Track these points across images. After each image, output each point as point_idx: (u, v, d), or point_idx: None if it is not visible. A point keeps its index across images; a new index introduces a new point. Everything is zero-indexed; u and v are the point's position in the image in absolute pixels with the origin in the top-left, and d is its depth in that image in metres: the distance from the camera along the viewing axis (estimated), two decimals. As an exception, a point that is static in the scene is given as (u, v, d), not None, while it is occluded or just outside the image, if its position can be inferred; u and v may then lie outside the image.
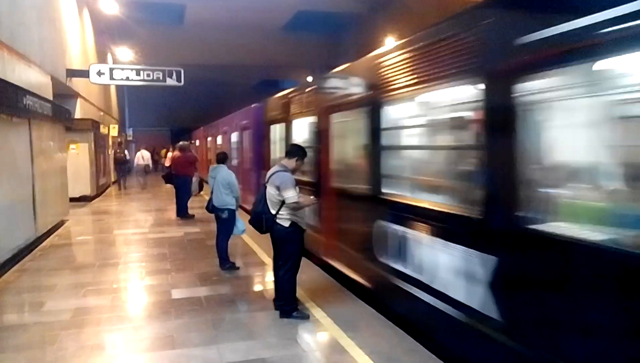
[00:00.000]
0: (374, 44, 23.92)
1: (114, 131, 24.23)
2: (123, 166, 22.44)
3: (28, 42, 9.77)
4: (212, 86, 37.69)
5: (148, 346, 4.86)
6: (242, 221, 7.72)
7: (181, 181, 12.78)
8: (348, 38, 29.24)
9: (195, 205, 13.40)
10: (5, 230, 7.84)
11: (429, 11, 20.93)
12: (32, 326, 5.43)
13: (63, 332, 5.21)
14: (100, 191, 18.82)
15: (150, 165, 23.57)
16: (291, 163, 5.64)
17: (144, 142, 30.67)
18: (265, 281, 7.17)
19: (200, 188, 13.77)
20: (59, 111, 11.67)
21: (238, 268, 7.64)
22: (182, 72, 14.83)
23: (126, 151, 24.46)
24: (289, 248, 5.51)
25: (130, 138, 35.77)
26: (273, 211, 5.45)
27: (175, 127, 44.89)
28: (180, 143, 13.74)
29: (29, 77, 9.69)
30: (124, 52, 25.02)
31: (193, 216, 12.79)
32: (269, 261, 7.97)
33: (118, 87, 30.33)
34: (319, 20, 27.46)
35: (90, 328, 5.35)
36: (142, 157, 22.69)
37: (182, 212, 12.88)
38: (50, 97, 11.26)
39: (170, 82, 14.73)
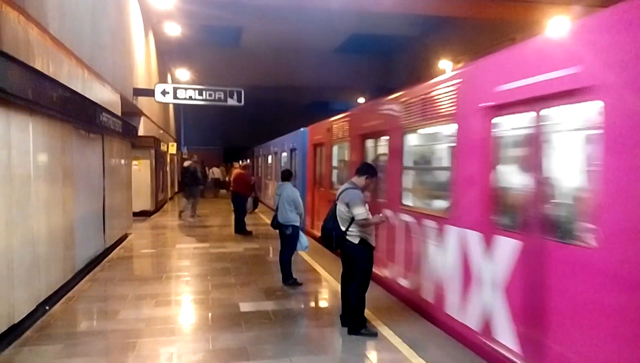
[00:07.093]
0: (427, 67, 23.98)
1: (172, 148, 25.06)
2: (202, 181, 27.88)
3: (103, 62, 10.31)
4: (264, 105, 38.49)
5: (224, 356, 4.96)
6: (306, 237, 7.84)
7: (239, 198, 13.10)
8: (400, 60, 29.39)
9: (249, 222, 13.64)
10: (81, 240, 8.22)
11: (482, 34, 20.88)
12: (110, 333, 5.65)
13: (140, 339, 5.40)
14: (158, 206, 19.40)
15: (221, 179, 29.31)
16: (361, 180, 5.73)
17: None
18: (329, 297, 7.22)
19: (255, 206, 14.03)
20: (127, 128, 12.19)
21: (301, 284, 7.71)
22: (243, 92, 15.17)
23: (206, 169, 29.78)
24: (359, 265, 5.57)
25: (186, 156, 37.19)
26: (343, 228, 5.55)
27: (228, 146, 45.98)
28: (244, 162, 14.09)
29: (103, 95, 10.20)
30: (182, 73, 25.97)
31: (251, 232, 13.00)
32: (330, 278, 8.06)
33: (175, 106, 31.41)
34: (372, 43, 27.73)
35: (165, 337, 5.52)
36: (214, 172, 28.90)
37: (240, 228, 13.13)
38: (120, 115, 11.78)
39: (231, 102, 15.10)
